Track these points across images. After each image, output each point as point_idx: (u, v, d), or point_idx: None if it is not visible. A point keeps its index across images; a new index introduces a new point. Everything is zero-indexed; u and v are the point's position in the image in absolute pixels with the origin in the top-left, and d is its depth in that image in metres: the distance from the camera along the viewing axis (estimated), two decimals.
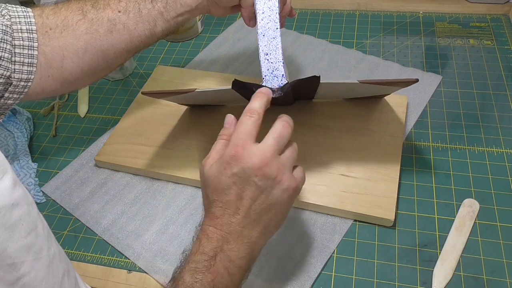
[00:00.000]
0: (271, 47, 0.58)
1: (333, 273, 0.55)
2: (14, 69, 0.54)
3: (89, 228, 0.63)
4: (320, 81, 0.56)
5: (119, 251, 0.60)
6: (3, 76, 0.53)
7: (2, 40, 0.52)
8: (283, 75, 0.57)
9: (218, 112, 0.71)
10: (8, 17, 0.54)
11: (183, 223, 0.61)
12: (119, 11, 0.57)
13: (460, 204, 0.59)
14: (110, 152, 0.69)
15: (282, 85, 0.57)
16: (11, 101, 0.56)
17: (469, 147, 0.65)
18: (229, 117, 0.51)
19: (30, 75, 0.55)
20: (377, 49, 0.82)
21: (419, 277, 0.53)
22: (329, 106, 0.70)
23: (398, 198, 0.60)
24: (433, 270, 0.53)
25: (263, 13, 0.58)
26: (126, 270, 0.58)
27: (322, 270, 0.55)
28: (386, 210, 0.57)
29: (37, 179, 0.69)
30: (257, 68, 0.77)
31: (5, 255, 0.31)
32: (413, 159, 0.65)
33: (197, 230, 0.47)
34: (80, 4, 0.57)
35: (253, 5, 0.59)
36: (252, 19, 0.61)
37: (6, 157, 0.68)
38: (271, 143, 0.46)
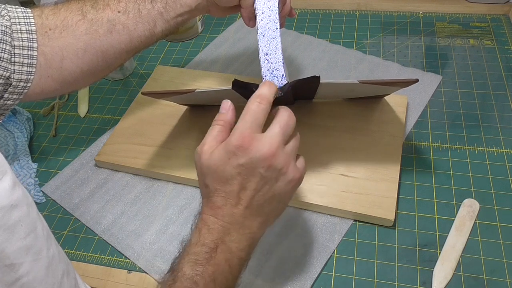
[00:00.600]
0: (271, 47, 0.58)
1: (333, 273, 0.55)
2: (14, 69, 0.54)
3: (89, 228, 0.63)
4: (320, 81, 0.56)
5: (119, 251, 0.60)
6: (2, 77, 0.53)
7: (2, 41, 0.52)
8: (283, 75, 0.57)
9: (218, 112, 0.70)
10: (8, 17, 0.54)
11: (183, 223, 0.61)
12: (119, 12, 0.57)
13: (460, 204, 0.59)
14: (110, 152, 0.69)
15: (282, 85, 0.57)
16: (11, 102, 0.56)
17: (469, 147, 0.65)
18: (226, 103, 0.49)
19: (29, 76, 0.55)
20: (377, 49, 0.82)
21: (419, 277, 0.53)
22: (329, 106, 0.70)
23: (398, 198, 0.60)
24: (433, 270, 0.53)
25: (262, 13, 0.58)
26: (126, 270, 0.58)
27: (322, 270, 0.55)
28: (386, 210, 0.57)
29: (37, 179, 0.69)
30: (257, 68, 0.77)
31: (4, 256, 0.31)
32: (413, 159, 0.65)
33: (196, 219, 0.46)
34: (79, 4, 0.57)
35: (252, 5, 0.59)
36: (252, 19, 0.61)
37: (6, 157, 0.69)
38: (278, 133, 0.44)
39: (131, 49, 0.59)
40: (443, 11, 0.89)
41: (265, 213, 0.46)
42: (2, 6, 0.55)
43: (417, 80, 0.54)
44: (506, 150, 0.64)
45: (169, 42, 0.92)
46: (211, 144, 0.45)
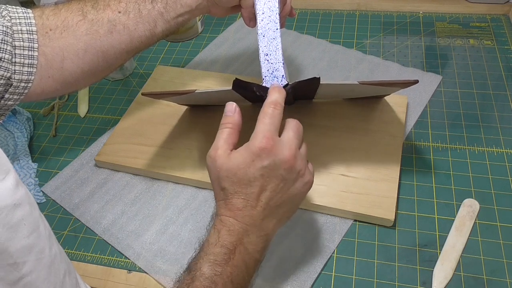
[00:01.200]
0: (271, 47, 0.58)
1: (333, 273, 0.55)
2: (15, 70, 0.54)
3: (89, 228, 0.63)
4: (320, 82, 0.56)
5: (119, 251, 0.60)
6: (3, 77, 0.53)
7: (3, 41, 0.52)
8: (283, 75, 0.57)
9: (218, 112, 0.70)
10: (9, 18, 0.54)
11: (183, 223, 0.61)
12: (119, 12, 0.57)
13: (460, 204, 0.59)
14: (110, 152, 0.69)
15: (282, 86, 0.57)
16: (12, 102, 0.56)
17: (469, 147, 0.65)
18: (231, 105, 0.49)
19: (30, 76, 0.55)
20: (377, 49, 0.82)
21: (419, 277, 0.53)
22: (329, 106, 0.70)
23: (398, 198, 0.60)
24: (433, 270, 0.53)
25: (263, 13, 0.58)
26: (126, 270, 0.58)
27: (322, 270, 0.55)
28: (386, 210, 0.57)
29: (37, 179, 0.69)
30: (257, 68, 0.77)
31: (7, 255, 0.31)
32: (413, 159, 0.65)
33: (214, 219, 0.46)
34: (80, 5, 0.57)
35: (253, 5, 0.59)
36: (252, 20, 0.61)
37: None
38: (294, 137, 0.46)
39: (131, 49, 0.60)
40: (443, 11, 0.89)
41: (280, 214, 0.47)
42: (3, 7, 0.55)
43: (417, 81, 0.54)
44: (506, 150, 0.64)
45: (169, 42, 0.92)
46: (224, 147, 0.46)
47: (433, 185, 0.61)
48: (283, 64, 0.58)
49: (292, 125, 0.47)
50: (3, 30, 0.52)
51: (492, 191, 0.60)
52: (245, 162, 0.44)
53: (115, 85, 0.85)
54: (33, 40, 0.55)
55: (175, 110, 0.73)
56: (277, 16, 0.58)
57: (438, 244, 0.56)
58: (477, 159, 0.64)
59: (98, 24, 0.56)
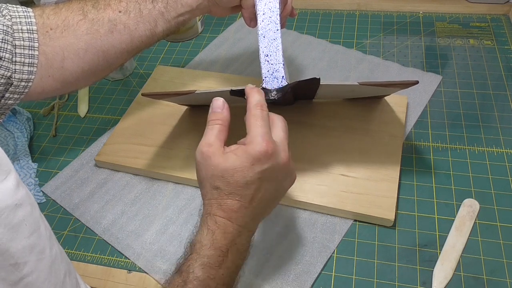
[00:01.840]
0: (272, 48, 0.58)
1: (333, 273, 0.55)
2: (15, 69, 0.54)
3: (89, 228, 0.63)
4: (320, 83, 0.56)
5: (119, 251, 0.60)
6: (4, 77, 0.53)
7: (3, 41, 0.52)
8: (283, 76, 0.57)
9: None
10: (9, 17, 0.54)
11: (183, 223, 0.61)
12: (120, 11, 0.57)
13: (460, 204, 0.59)
14: (110, 152, 0.69)
15: (282, 86, 0.57)
16: (12, 101, 0.56)
17: (469, 147, 0.65)
18: (218, 101, 0.48)
19: (30, 75, 0.55)
20: (377, 49, 0.82)
21: (419, 277, 0.53)
22: (329, 106, 0.70)
23: (398, 198, 0.60)
24: (433, 270, 0.53)
25: (263, 14, 0.58)
26: (126, 270, 0.58)
27: (322, 270, 0.55)
28: (386, 210, 0.57)
29: (37, 179, 0.69)
30: (257, 69, 0.77)
31: (8, 255, 0.31)
32: (413, 159, 0.65)
33: (204, 218, 0.45)
34: (80, 4, 0.57)
35: (253, 5, 0.59)
36: (253, 20, 0.61)
37: None
38: (284, 137, 0.46)
39: (132, 49, 0.59)
40: (443, 11, 0.89)
41: (265, 212, 0.48)
42: (3, 6, 0.55)
43: (417, 82, 0.54)
44: (506, 150, 0.64)
45: (169, 42, 0.92)
46: (218, 145, 0.45)
47: (433, 185, 0.61)
48: (283, 65, 0.58)
49: (281, 124, 0.48)
50: (3, 29, 0.52)
51: (492, 191, 0.60)
52: (244, 165, 0.44)
53: (115, 85, 0.85)
54: (33, 40, 0.54)
55: (175, 110, 0.73)
56: (278, 16, 0.58)
57: (438, 244, 0.56)
58: (477, 159, 0.64)
59: (99, 24, 0.56)
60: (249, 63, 0.83)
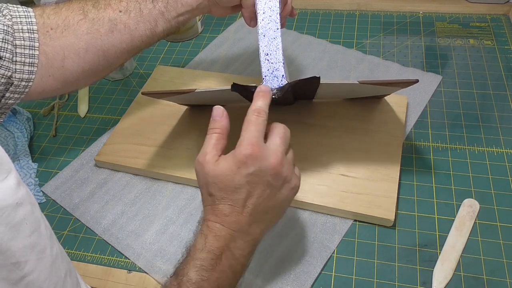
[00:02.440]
0: (272, 47, 0.58)
1: (333, 273, 0.55)
2: (15, 69, 0.54)
3: (89, 228, 0.63)
4: (320, 82, 0.56)
5: (119, 251, 0.60)
6: (4, 76, 0.53)
7: (4, 40, 0.52)
8: (283, 75, 0.57)
9: None
10: (10, 17, 0.54)
11: (183, 223, 0.61)
12: (120, 11, 0.57)
13: (460, 204, 0.59)
14: (110, 152, 0.69)
15: (282, 85, 0.57)
16: (12, 101, 0.56)
17: (469, 147, 0.65)
18: (218, 109, 0.49)
19: (31, 75, 0.55)
20: (377, 49, 0.83)
21: (419, 277, 0.53)
22: (329, 106, 0.70)
23: (398, 198, 0.60)
24: (433, 270, 0.53)
25: (263, 13, 0.58)
26: (126, 270, 0.58)
27: (322, 270, 0.55)
28: (386, 210, 0.57)
29: (37, 179, 0.69)
30: (257, 68, 0.77)
31: (9, 254, 0.31)
32: (413, 159, 0.65)
33: (200, 225, 0.46)
34: (81, 4, 0.57)
35: (254, 5, 0.59)
36: (253, 19, 0.61)
37: None
38: (280, 143, 0.46)
39: (132, 48, 0.59)
40: (443, 11, 0.89)
41: (268, 219, 0.47)
42: (4, 6, 0.55)
43: (417, 81, 0.54)
44: (506, 150, 0.64)
45: (169, 42, 0.92)
46: (213, 153, 0.46)
47: (433, 185, 0.61)
48: (283, 64, 0.58)
49: (279, 131, 0.47)
50: (4, 29, 0.52)
51: (492, 191, 0.60)
52: (231, 169, 0.44)
53: (115, 85, 0.85)
54: (34, 39, 0.54)
55: (175, 110, 0.73)
56: (278, 16, 0.58)
57: (438, 244, 0.56)
58: (477, 159, 0.64)
59: (99, 23, 0.56)
60: (249, 63, 0.83)
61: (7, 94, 0.55)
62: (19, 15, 0.55)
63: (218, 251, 0.44)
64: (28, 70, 0.55)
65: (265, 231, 0.48)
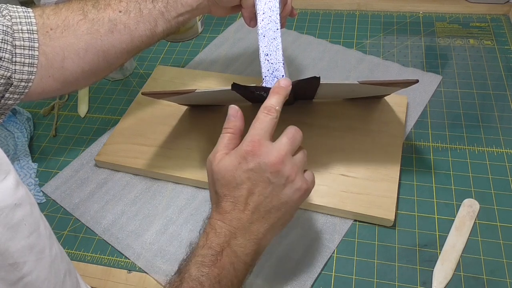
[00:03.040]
0: (272, 47, 0.58)
1: (333, 273, 0.55)
2: (15, 69, 0.54)
3: (89, 228, 0.63)
4: (320, 82, 0.56)
5: (119, 251, 0.60)
6: (3, 77, 0.53)
7: (3, 41, 0.52)
8: (283, 76, 0.57)
9: (218, 112, 0.71)
10: (9, 17, 0.54)
11: (183, 223, 0.61)
12: (120, 11, 0.57)
13: (460, 204, 0.59)
14: (110, 152, 0.69)
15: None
16: (12, 102, 0.56)
17: (469, 147, 0.65)
18: (233, 109, 0.49)
19: (30, 76, 0.55)
20: (377, 49, 0.82)
21: (419, 277, 0.53)
22: (329, 106, 0.70)
23: (398, 198, 0.60)
24: (433, 270, 0.53)
25: (263, 13, 0.58)
26: (126, 270, 0.58)
27: (322, 270, 0.55)
28: (386, 210, 0.57)
29: (37, 179, 0.69)
30: (257, 68, 0.77)
31: (7, 254, 0.31)
32: (413, 159, 0.65)
33: (204, 223, 0.47)
34: (80, 4, 0.57)
35: (253, 5, 0.59)
36: (253, 20, 0.61)
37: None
38: (286, 143, 0.46)
39: (132, 48, 0.60)
40: (443, 11, 0.89)
41: (272, 220, 0.46)
42: (3, 6, 0.55)
43: (417, 81, 0.54)
44: (506, 150, 0.64)
45: (169, 42, 0.92)
46: (223, 152, 0.47)
47: (433, 185, 0.61)
48: (283, 64, 0.58)
49: (288, 131, 0.48)
50: (3, 30, 0.52)
51: (492, 191, 0.60)
52: (233, 165, 0.45)
53: (115, 85, 0.85)
54: (33, 40, 0.54)
55: (175, 110, 0.73)
56: (278, 16, 0.58)
57: (438, 244, 0.56)
58: (477, 159, 0.64)
59: (99, 24, 0.56)
60: (249, 63, 0.83)
61: (7, 95, 0.55)
62: (19, 16, 0.55)
63: (219, 248, 0.44)
64: (28, 71, 0.55)
65: (271, 232, 0.47)
